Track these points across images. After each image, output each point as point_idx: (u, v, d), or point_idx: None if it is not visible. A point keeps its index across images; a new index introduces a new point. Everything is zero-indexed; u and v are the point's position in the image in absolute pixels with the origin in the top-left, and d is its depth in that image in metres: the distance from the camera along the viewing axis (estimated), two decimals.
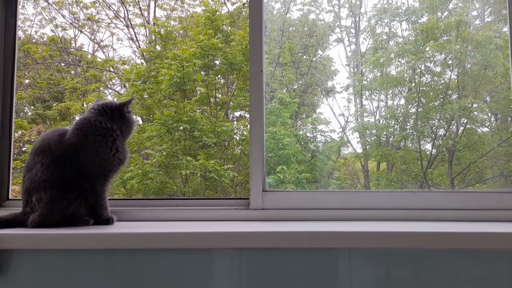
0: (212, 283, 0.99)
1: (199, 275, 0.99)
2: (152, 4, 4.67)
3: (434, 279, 0.97)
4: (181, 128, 3.87)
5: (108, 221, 1.10)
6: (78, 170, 1.04)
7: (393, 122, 4.08)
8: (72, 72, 4.75)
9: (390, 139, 4.08)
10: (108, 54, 4.74)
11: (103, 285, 0.99)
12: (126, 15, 4.60)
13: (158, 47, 4.45)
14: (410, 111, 3.97)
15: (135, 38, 4.61)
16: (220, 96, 4.31)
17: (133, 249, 0.99)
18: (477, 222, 1.14)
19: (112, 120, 1.11)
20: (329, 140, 4.32)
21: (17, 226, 1.04)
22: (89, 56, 4.70)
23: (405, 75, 3.97)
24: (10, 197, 1.33)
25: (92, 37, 4.70)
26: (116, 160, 1.10)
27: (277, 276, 0.99)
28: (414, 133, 3.86)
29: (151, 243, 0.96)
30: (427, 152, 3.84)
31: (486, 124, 3.85)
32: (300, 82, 4.64)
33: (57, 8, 4.57)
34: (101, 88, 4.50)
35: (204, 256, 0.99)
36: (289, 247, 0.98)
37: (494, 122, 3.93)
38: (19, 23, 1.41)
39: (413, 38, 3.93)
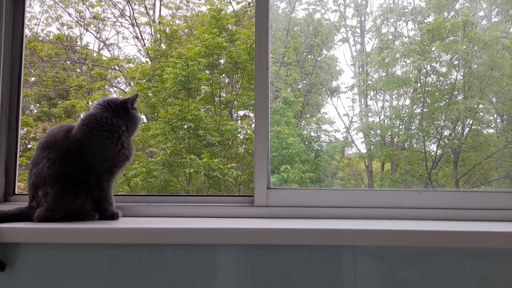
0: (216, 279, 0.99)
1: (203, 270, 0.99)
2: (157, 3, 4.69)
3: (439, 277, 0.97)
4: (186, 126, 3.89)
5: (113, 217, 1.11)
6: (84, 165, 1.05)
7: (398, 123, 4.06)
8: (78, 70, 4.79)
9: (395, 139, 4.07)
10: (114, 53, 4.77)
11: (107, 279, 1.00)
12: (131, 13, 4.62)
13: (163, 46, 4.46)
14: (415, 111, 3.95)
15: (140, 37, 4.63)
16: (224, 95, 4.32)
17: (138, 244, 0.99)
18: (482, 222, 1.14)
19: (117, 116, 1.12)
20: (333, 140, 4.31)
21: (23, 220, 1.04)
22: (94, 54, 4.73)
23: (411, 75, 3.95)
24: (16, 192, 1.35)
25: (98, 36, 4.72)
26: (121, 156, 1.10)
27: (281, 273, 0.99)
28: (419, 133, 3.84)
29: (156, 238, 0.97)
30: (432, 153, 3.82)
31: (492, 125, 3.82)
32: (305, 81, 4.63)
33: (63, 7, 4.60)
34: (106, 86, 4.52)
35: (208, 252, 0.99)
36: (293, 244, 0.98)
37: (500, 123, 3.90)
38: (26, 21, 1.42)
39: (419, 38, 3.91)
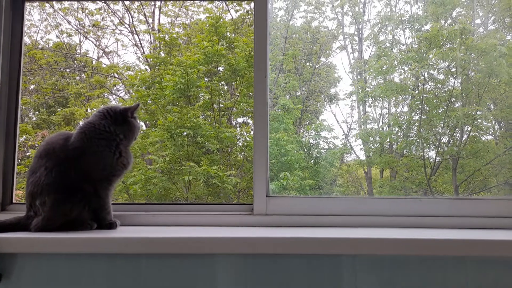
0: None
1: (202, 280, 0.98)
2: (156, 11, 4.72)
3: (440, 286, 0.96)
4: (185, 134, 3.88)
5: (111, 226, 1.10)
6: (82, 174, 1.04)
7: (397, 129, 4.07)
8: (77, 77, 4.79)
9: (394, 146, 4.07)
10: (113, 60, 4.78)
11: None
12: (131, 21, 4.65)
13: (163, 54, 4.48)
14: (414, 118, 3.96)
15: (139, 45, 4.65)
16: (223, 102, 4.32)
17: (136, 254, 0.98)
18: (483, 230, 1.13)
19: (115, 124, 1.11)
20: (332, 147, 4.31)
21: (20, 230, 1.03)
22: (94, 62, 4.74)
23: (409, 82, 3.97)
24: (13, 201, 1.33)
25: (97, 43, 4.74)
26: (119, 165, 1.10)
27: (280, 282, 0.98)
28: (418, 140, 3.85)
29: (154, 248, 0.96)
30: (431, 160, 3.83)
31: (490, 132, 3.84)
32: (304, 88, 4.65)
33: (62, 15, 4.62)
34: (105, 94, 4.53)
35: (207, 261, 0.98)
36: (292, 253, 0.97)
37: (498, 130, 3.91)
38: (25, 29, 1.43)
39: (417, 46, 3.94)
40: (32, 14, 4.56)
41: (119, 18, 4.68)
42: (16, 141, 1.35)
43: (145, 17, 4.69)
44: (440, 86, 3.87)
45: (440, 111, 3.79)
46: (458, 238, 0.95)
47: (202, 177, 3.60)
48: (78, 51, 4.79)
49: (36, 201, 1.02)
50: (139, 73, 4.34)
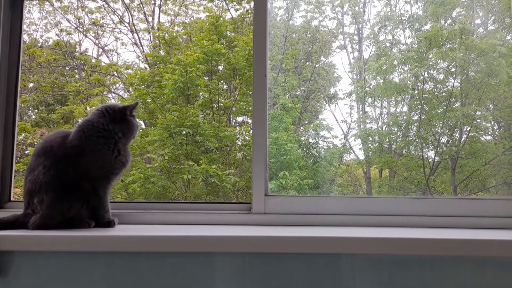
0: (214, 287, 0.98)
1: (201, 279, 0.98)
2: (156, 9, 4.71)
3: (438, 286, 0.96)
4: (184, 132, 3.88)
5: (109, 224, 1.10)
6: (80, 172, 1.04)
7: (396, 129, 4.07)
8: (76, 76, 4.78)
9: (393, 146, 4.07)
10: (112, 59, 4.77)
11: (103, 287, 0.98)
12: (130, 20, 4.64)
13: (162, 52, 4.47)
14: (413, 118, 3.96)
15: (139, 43, 4.64)
16: (223, 101, 4.32)
17: (134, 252, 0.98)
18: (481, 229, 1.13)
19: (113, 122, 1.11)
20: (331, 147, 4.31)
21: (18, 228, 1.03)
22: (93, 61, 4.73)
23: (408, 82, 3.97)
24: (11, 199, 1.33)
25: (97, 42, 4.73)
26: (118, 163, 1.10)
27: (279, 281, 0.98)
28: (417, 140, 3.85)
29: (152, 246, 0.96)
30: (430, 160, 3.83)
31: (489, 132, 3.84)
32: (303, 88, 4.65)
33: (62, 13, 4.61)
34: (104, 92, 4.52)
35: (206, 260, 0.98)
36: (291, 252, 0.97)
37: (497, 130, 3.91)
38: (24, 27, 1.43)
39: (416, 46, 3.94)
40: (32, 12, 4.55)
41: (119, 17, 4.67)
42: (14, 139, 1.35)
43: (145, 16, 4.68)
44: (439, 86, 3.87)
45: (439, 111, 3.79)
46: (456, 238, 0.95)
47: (201, 176, 3.60)
48: (78, 49, 4.79)
49: (34, 199, 1.02)
50: (139, 72, 4.33)
